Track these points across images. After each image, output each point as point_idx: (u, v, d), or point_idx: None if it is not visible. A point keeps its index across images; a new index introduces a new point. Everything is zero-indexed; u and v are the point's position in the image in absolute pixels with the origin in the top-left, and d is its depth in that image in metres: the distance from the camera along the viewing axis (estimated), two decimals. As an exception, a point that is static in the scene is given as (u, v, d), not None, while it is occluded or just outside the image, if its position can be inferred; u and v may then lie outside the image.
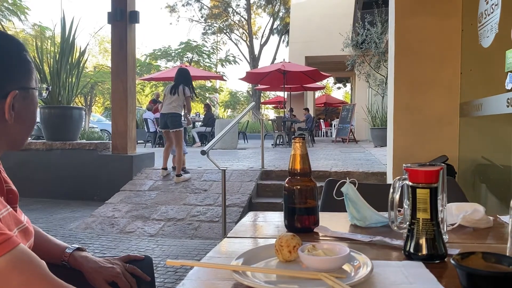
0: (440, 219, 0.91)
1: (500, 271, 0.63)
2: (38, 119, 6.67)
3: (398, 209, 1.04)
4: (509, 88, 2.44)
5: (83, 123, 7.51)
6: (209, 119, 13.15)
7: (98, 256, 1.19)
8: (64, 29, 6.73)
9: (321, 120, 23.60)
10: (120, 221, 4.72)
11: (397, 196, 0.99)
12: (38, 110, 6.49)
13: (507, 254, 0.81)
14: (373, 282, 0.76)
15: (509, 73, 2.43)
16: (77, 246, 1.19)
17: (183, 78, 6.03)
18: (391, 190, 0.99)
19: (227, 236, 1.19)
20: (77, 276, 1.10)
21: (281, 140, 12.41)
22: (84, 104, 18.93)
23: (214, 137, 6.25)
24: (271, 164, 6.56)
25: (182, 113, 6.15)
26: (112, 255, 1.43)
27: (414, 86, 3.49)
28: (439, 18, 3.41)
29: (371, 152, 8.98)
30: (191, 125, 12.49)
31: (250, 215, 1.44)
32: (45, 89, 1.07)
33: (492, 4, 2.77)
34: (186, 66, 14.40)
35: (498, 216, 1.25)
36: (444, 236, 0.94)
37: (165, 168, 6.05)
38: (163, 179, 5.91)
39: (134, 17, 6.30)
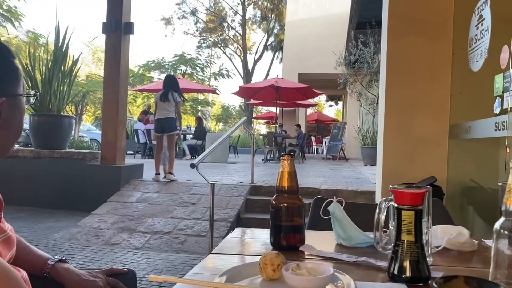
0: (424, 241, 0.91)
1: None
2: (27, 126, 6.61)
3: (384, 230, 1.04)
4: (497, 112, 2.47)
5: (73, 132, 7.46)
6: (200, 132, 13.11)
7: (81, 268, 1.16)
8: (58, 37, 6.72)
9: (312, 137, 23.66)
10: (106, 233, 4.66)
11: (382, 217, 0.99)
12: (28, 117, 6.48)
13: (490, 279, 0.81)
14: (356, 303, 0.75)
15: (497, 97, 2.47)
16: (60, 257, 1.16)
17: (171, 84, 6.44)
18: (377, 210, 1.00)
19: (212, 252, 1.17)
20: (58, 289, 1.08)
21: (271, 156, 12.42)
22: (75, 113, 18.81)
23: (204, 150, 6.30)
24: (261, 179, 6.55)
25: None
26: (96, 267, 1.41)
27: (405, 107, 3.52)
28: (431, 41, 3.47)
29: (361, 171, 9.01)
30: (182, 137, 12.48)
31: (236, 231, 1.43)
32: (32, 95, 1.06)
33: (483, 30, 2.82)
34: (179, 78, 14.41)
35: (482, 239, 1.26)
36: (428, 259, 0.94)
37: (158, 173, 6.31)
38: (152, 190, 5.87)
39: (129, 28, 6.32)
